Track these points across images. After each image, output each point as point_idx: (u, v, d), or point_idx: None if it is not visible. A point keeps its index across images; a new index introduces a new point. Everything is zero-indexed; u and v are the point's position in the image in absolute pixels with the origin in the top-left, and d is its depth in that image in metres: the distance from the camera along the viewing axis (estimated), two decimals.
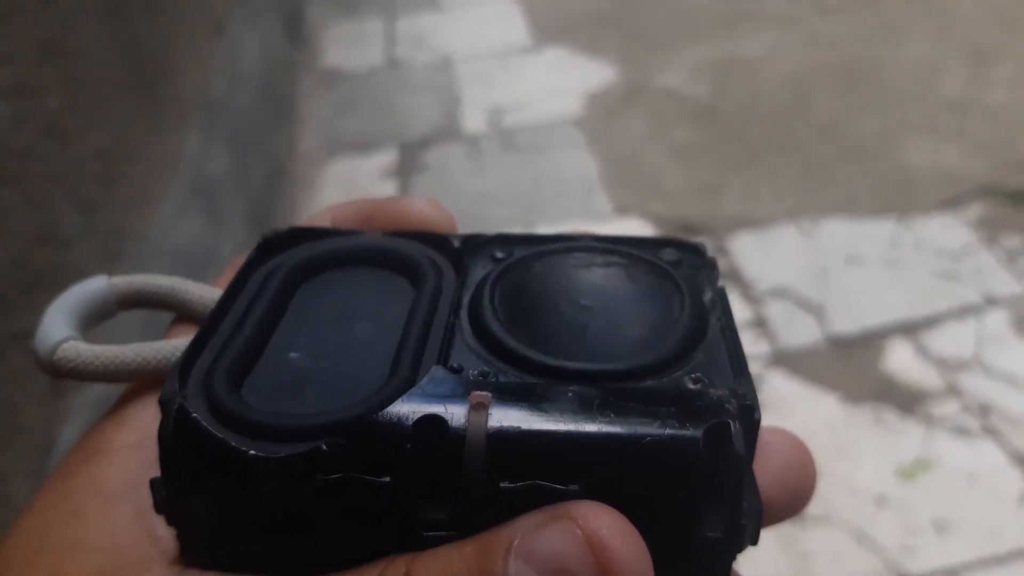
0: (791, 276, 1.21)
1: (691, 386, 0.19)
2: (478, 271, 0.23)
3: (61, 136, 0.74)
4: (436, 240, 0.24)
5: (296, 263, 0.23)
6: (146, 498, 0.19)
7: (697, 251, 0.24)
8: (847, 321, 1.13)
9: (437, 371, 0.19)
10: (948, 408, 1.01)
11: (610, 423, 0.17)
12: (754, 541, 0.18)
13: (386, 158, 1.59)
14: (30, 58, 0.71)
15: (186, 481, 0.18)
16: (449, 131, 1.65)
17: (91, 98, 0.83)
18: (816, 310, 1.15)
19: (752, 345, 1.08)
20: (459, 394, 0.18)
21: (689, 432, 0.17)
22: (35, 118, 0.70)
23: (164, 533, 0.19)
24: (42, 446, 0.62)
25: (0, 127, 0.65)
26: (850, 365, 1.07)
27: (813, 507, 0.91)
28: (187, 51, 1.22)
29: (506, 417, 0.17)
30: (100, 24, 0.88)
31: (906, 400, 1.03)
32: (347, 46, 2.03)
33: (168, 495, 0.18)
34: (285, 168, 1.57)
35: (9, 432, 0.60)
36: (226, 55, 1.43)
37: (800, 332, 1.12)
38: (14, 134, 0.66)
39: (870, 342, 1.10)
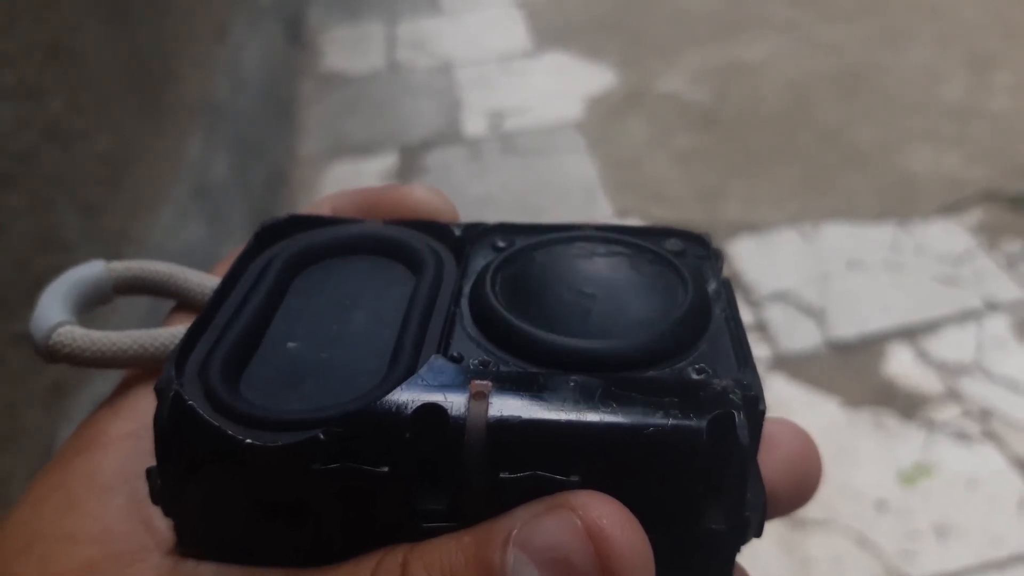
0: (792, 280, 1.21)
1: (695, 376, 0.18)
2: (479, 260, 0.23)
3: (63, 139, 0.74)
4: (437, 228, 0.24)
5: (295, 251, 0.23)
6: (142, 488, 0.19)
7: (702, 241, 0.23)
8: (848, 325, 1.13)
9: (437, 360, 0.18)
10: (949, 413, 1.01)
11: (612, 413, 0.17)
12: (758, 534, 0.18)
13: (387, 161, 1.59)
14: (33, 61, 0.71)
15: (182, 470, 0.18)
16: (450, 134, 1.65)
17: (94, 101, 0.83)
18: (817, 314, 1.15)
19: (753, 349, 1.08)
20: (459, 383, 0.18)
21: (693, 422, 0.17)
22: (38, 121, 0.70)
23: (160, 524, 0.19)
24: (43, 448, 0.62)
25: (3, 129, 0.65)
26: (851, 369, 1.07)
27: (814, 511, 0.91)
28: (189, 55, 1.22)
29: (506, 406, 0.17)
30: (103, 27, 0.88)
31: (907, 405, 1.02)
32: (348, 50, 2.03)
33: (164, 484, 0.18)
34: (286, 172, 1.57)
35: (10, 434, 0.60)
36: (228, 59, 1.44)
37: (801, 336, 1.12)
38: (16, 137, 0.67)
39: (871, 346, 1.10)
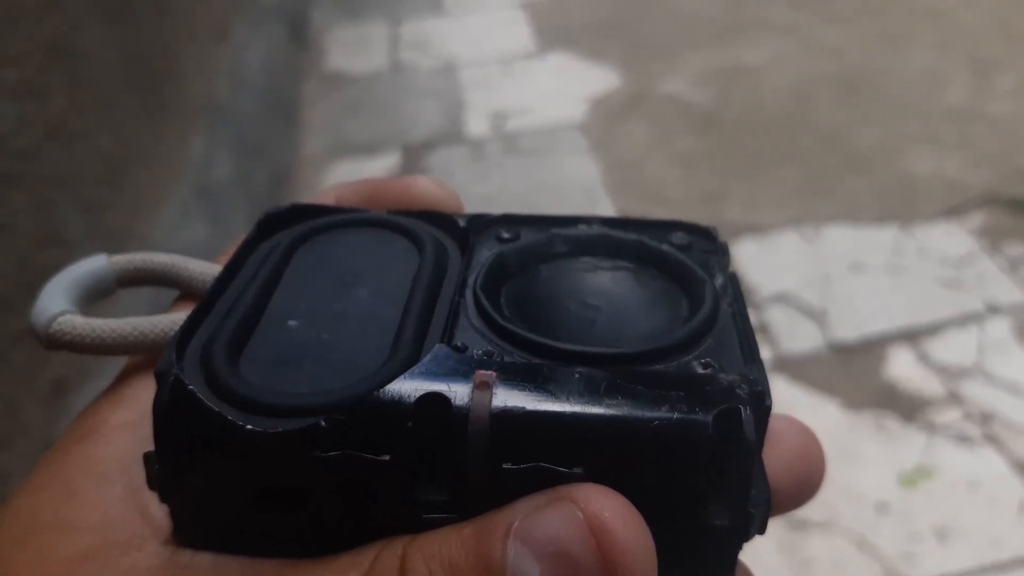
0: (793, 283, 1.21)
1: (701, 371, 0.18)
2: (484, 251, 0.22)
3: (66, 138, 0.75)
4: (441, 219, 0.24)
5: (296, 237, 0.23)
6: (140, 477, 0.18)
7: (708, 235, 0.23)
8: (849, 328, 1.13)
9: (441, 349, 0.18)
10: (949, 416, 1.01)
11: (617, 406, 0.17)
12: (762, 530, 0.18)
13: (389, 161, 1.59)
14: (36, 60, 0.71)
15: (180, 455, 0.17)
16: (452, 135, 1.65)
17: (96, 101, 0.83)
18: (818, 317, 1.15)
19: None
20: (463, 373, 0.17)
21: (699, 417, 0.17)
22: (40, 120, 0.70)
23: (158, 513, 0.19)
24: (44, 445, 0.62)
25: (5, 128, 0.65)
26: (852, 372, 1.07)
27: (814, 513, 0.91)
28: (192, 55, 1.22)
29: (510, 397, 0.17)
30: (105, 27, 0.88)
31: (908, 407, 1.02)
32: (351, 50, 2.03)
33: (162, 469, 0.18)
34: (288, 172, 1.57)
35: (10, 431, 0.60)
36: (230, 59, 1.44)
37: (802, 339, 1.12)
38: (19, 135, 0.67)
39: (872, 349, 1.10)
